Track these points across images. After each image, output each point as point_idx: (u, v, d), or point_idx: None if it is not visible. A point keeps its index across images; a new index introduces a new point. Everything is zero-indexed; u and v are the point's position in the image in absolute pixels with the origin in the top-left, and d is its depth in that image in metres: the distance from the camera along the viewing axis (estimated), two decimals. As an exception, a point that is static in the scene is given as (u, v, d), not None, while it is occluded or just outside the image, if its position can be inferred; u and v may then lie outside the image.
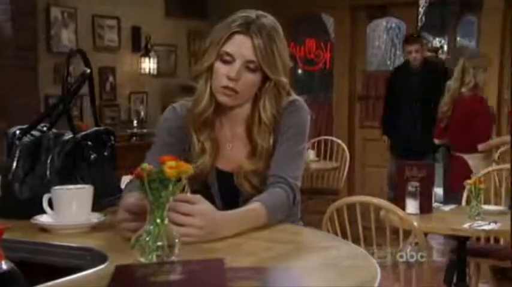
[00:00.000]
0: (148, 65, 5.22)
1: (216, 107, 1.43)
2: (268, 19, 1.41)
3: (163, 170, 0.97)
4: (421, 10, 5.38)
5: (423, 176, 2.65)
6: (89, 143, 1.34)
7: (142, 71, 5.23)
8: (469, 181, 2.60)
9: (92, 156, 1.34)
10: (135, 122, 5.03)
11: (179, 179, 0.99)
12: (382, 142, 4.61)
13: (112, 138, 1.41)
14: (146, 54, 5.22)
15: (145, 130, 4.99)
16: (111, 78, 5.04)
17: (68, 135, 1.35)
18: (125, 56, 5.14)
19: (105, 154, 1.39)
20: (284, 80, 1.39)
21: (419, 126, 4.30)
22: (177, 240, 1.00)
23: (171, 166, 0.98)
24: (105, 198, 1.36)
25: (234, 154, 1.45)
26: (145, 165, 0.98)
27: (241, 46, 1.35)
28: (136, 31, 5.23)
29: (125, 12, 5.11)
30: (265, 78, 1.38)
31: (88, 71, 1.34)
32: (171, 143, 1.43)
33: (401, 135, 4.39)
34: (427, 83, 4.28)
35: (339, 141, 4.86)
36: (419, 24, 5.37)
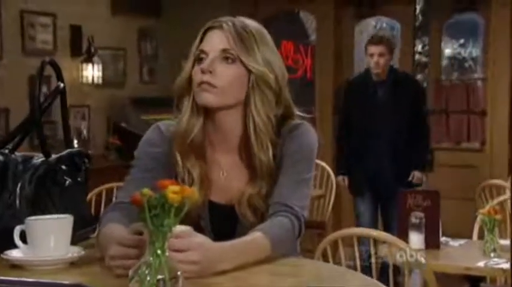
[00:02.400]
0: (91, 72, 5.32)
1: (205, 127, 1.54)
2: (248, 19, 1.56)
3: (166, 196, 1.10)
4: (417, 7, 5.63)
5: (428, 205, 2.78)
6: (63, 167, 1.45)
7: (83, 79, 5.33)
8: (482, 211, 2.72)
9: (67, 181, 1.45)
10: (75, 142, 5.10)
11: (182, 206, 1.12)
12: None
13: (86, 161, 1.52)
14: (88, 59, 5.32)
15: (89, 152, 5.05)
16: (44, 89, 5.10)
17: (38, 159, 1.46)
18: (62, 62, 5.20)
19: (79, 179, 1.50)
20: (268, 73, 1.50)
21: (388, 160, 4.11)
22: (179, 273, 1.12)
23: (175, 191, 1.10)
24: (80, 229, 1.46)
25: (229, 183, 1.55)
26: (145, 190, 1.11)
27: (213, 39, 1.50)
28: (76, 31, 5.32)
29: (61, 8, 5.21)
30: (250, 76, 1.50)
31: (62, 85, 1.46)
32: (154, 169, 1.53)
33: (363, 172, 4.18)
34: (396, 100, 4.12)
35: (323, 164, 4.99)
36: (417, 23, 5.63)
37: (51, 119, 5.10)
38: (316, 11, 5.94)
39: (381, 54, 4.09)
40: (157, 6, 6.06)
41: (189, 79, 1.52)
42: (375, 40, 4.18)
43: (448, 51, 5.91)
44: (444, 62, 5.88)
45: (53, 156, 1.47)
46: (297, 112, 1.56)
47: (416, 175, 4.16)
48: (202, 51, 1.51)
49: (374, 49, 4.11)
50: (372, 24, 6.11)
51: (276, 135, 1.53)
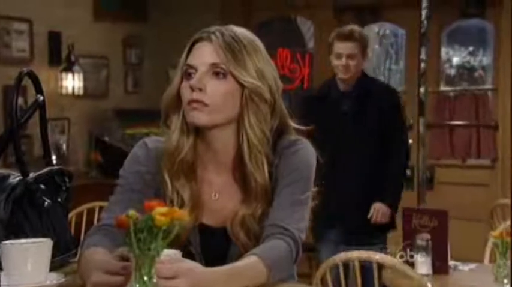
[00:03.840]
0: (72, 82, 5.33)
1: (196, 145, 1.55)
2: (238, 28, 1.57)
3: (154, 218, 1.11)
4: (423, 12, 5.67)
5: (435, 226, 2.78)
6: (42, 186, 1.46)
7: (63, 90, 5.34)
8: (493, 233, 2.73)
9: (46, 202, 1.45)
10: (53, 158, 5.09)
11: (171, 229, 1.12)
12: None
13: (67, 180, 1.53)
14: (68, 68, 5.33)
15: (69, 169, 5.05)
16: (20, 101, 5.11)
17: (15, 178, 1.47)
18: (39, 71, 5.20)
19: (59, 199, 1.51)
20: (261, 86, 1.51)
21: (359, 193, 3.45)
22: (168, 301, 1.13)
23: (163, 213, 1.11)
24: (60, 254, 1.47)
25: (221, 205, 1.56)
26: (131, 212, 1.12)
27: (201, 52, 1.51)
28: (55, 38, 5.34)
29: (39, 13, 5.22)
30: (243, 91, 1.52)
31: (41, 98, 1.47)
32: (141, 189, 1.54)
33: (324, 214, 2.97)
34: (366, 118, 3.46)
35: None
36: (422, 30, 5.67)
37: (27, 133, 5.12)
38: (314, 17, 5.97)
39: (350, 55, 3.42)
40: (143, 11, 6.09)
41: (178, 95, 1.53)
42: (343, 35, 3.45)
43: (456, 59, 5.94)
44: (452, 71, 5.91)
45: (31, 174, 1.47)
46: (293, 124, 1.58)
47: (379, 209, 3.43)
48: (191, 66, 1.51)
49: (342, 47, 3.42)
50: (374, 31, 6.13)
51: (272, 151, 1.54)
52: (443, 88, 5.75)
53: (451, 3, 5.37)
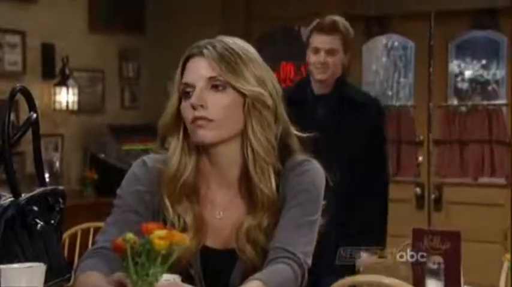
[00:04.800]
0: (66, 97, 5.35)
1: (198, 166, 1.56)
2: (229, 38, 1.59)
3: (152, 242, 1.11)
4: (433, 23, 5.70)
5: (447, 248, 2.77)
6: (34, 208, 1.46)
7: (56, 105, 5.35)
8: (508, 256, 2.72)
9: (38, 225, 1.46)
10: (46, 176, 5.09)
11: (170, 253, 1.13)
12: (391, 203, 4.74)
13: (61, 201, 1.53)
14: (62, 82, 5.34)
15: (61, 187, 5.05)
16: (12, 116, 5.12)
17: (7, 199, 1.47)
18: (32, 86, 5.22)
19: (52, 221, 1.51)
20: (263, 92, 1.53)
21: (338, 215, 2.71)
22: (167, 330, 1.13)
23: (162, 236, 1.12)
24: (53, 279, 1.47)
25: (226, 223, 1.57)
26: (129, 235, 1.12)
27: (196, 68, 1.53)
28: (48, 50, 5.36)
29: (32, 25, 5.25)
30: (244, 100, 1.53)
31: (34, 115, 1.48)
32: (140, 211, 1.54)
33: None
34: (343, 128, 3.04)
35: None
36: (432, 42, 5.68)
37: (19, 150, 5.13)
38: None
39: (331, 51, 3.00)
40: (140, 23, 6.10)
41: (176, 115, 1.55)
42: (324, 26, 3.04)
43: (468, 72, 5.95)
44: (464, 85, 5.92)
45: (23, 195, 1.48)
46: (295, 131, 1.59)
47: (366, 262, 2.87)
48: (187, 85, 1.53)
49: (321, 40, 3.00)
50: (382, 43, 6.15)
51: (279, 162, 1.55)
52: (454, 103, 5.76)
53: (461, 14, 5.39)
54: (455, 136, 5.57)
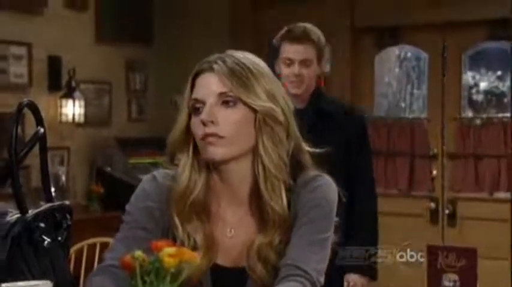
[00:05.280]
0: (72, 109, 5.37)
1: (208, 183, 1.57)
2: (239, 52, 1.59)
3: (161, 259, 1.12)
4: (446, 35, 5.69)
5: (463, 265, 2.76)
6: (41, 224, 1.47)
7: (63, 118, 5.38)
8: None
9: (45, 241, 1.46)
10: (52, 190, 5.10)
11: (179, 272, 1.13)
12: (402, 217, 4.74)
13: (68, 217, 1.54)
14: (69, 94, 5.38)
15: (67, 202, 5.06)
16: (18, 130, 5.15)
17: (13, 215, 1.48)
18: (38, 98, 5.25)
19: (59, 238, 1.52)
20: (274, 108, 1.53)
21: None
22: None
23: (171, 254, 1.12)
24: (59, 298, 1.47)
25: (237, 241, 1.57)
26: (138, 253, 1.13)
27: (206, 84, 1.53)
28: (55, 63, 5.40)
29: (38, 37, 5.28)
30: (256, 116, 1.53)
31: (42, 130, 1.49)
32: (149, 228, 1.54)
33: None
34: (328, 143, 2.68)
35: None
36: (445, 54, 5.68)
37: (24, 164, 5.14)
38: (330, 39, 5.95)
39: (305, 62, 2.86)
40: (148, 34, 6.13)
41: (186, 131, 1.55)
42: (296, 35, 2.88)
43: (483, 84, 5.94)
44: (479, 97, 5.91)
45: (30, 211, 1.48)
46: (307, 147, 1.59)
47: (355, 284, 2.95)
48: (197, 100, 1.53)
49: (294, 51, 2.86)
50: (395, 54, 6.15)
51: (291, 179, 1.55)
52: (468, 115, 5.75)
53: (475, 25, 5.39)
54: (470, 150, 5.55)
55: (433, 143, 5.63)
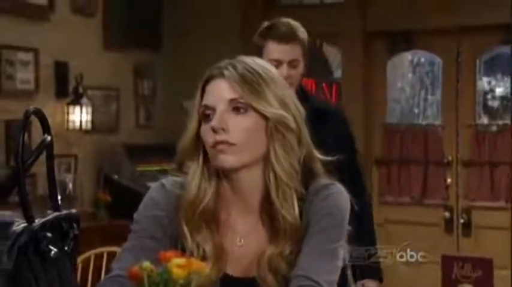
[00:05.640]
0: (79, 116, 5.38)
1: (218, 191, 1.56)
2: (249, 58, 1.59)
3: (170, 271, 1.12)
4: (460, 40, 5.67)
5: (479, 276, 2.75)
6: (48, 234, 1.47)
7: (70, 125, 5.39)
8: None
9: (52, 252, 1.46)
10: (59, 198, 5.11)
11: (188, 283, 1.13)
12: (415, 226, 4.73)
13: (75, 226, 1.54)
14: (76, 101, 5.38)
15: (74, 210, 5.07)
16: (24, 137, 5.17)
17: (19, 225, 1.48)
18: (45, 104, 5.25)
19: (66, 248, 1.52)
20: (286, 115, 1.54)
21: None
22: None
23: (180, 265, 1.12)
24: (66, 308, 1.47)
25: (247, 251, 1.57)
26: (146, 263, 1.13)
27: (216, 90, 1.53)
28: (62, 68, 5.41)
29: (45, 42, 5.29)
30: (267, 123, 1.54)
31: (49, 138, 1.49)
32: (158, 237, 1.54)
33: None
34: (316, 139, 2.51)
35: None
36: (459, 59, 5.67)
37: (30, 172, 5.15)
38: (341, 44, 6.00)
39: (292, 62, 2.75)
40: (156, 39, 6.15)
41: (195, 139, 1.55)
42: (283, 34, 2.76)
43: (499, 90, 5.92)
44: (495, 103, 5.89)
45: (37, 221, 1.48)
46: (318, 155, 1.59)
47: None
48: (208, 107, 1.53)
49: (281, 51, 2.74)
50: (408, 59, 6.16)
51: (303, 187, 1.55)
52: (484, 121, 5.73)
53: (490, 29, 5.38)
54: (485, 157, 5.54)
55: (448, 150, 5.61)
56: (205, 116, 1.53)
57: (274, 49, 2.75)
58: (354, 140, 3.03)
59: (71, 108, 5.39)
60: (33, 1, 5.22)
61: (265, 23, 2.84)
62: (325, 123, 2.78)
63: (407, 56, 6.11)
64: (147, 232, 1.55)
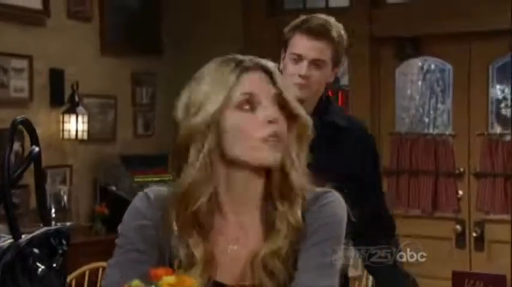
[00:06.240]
0: (75, 125, 5.37)
1: (215, 191, 1.53)
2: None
3: (161, 290, 1.10)
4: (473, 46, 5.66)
5: (492, 293, 2.74)
6: (35, 250, 1.45)
7: (65, 134, 5.38)
8: None
9: (39, 269, 1.44)
10: (52, 212, 5.11)
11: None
12: (426, 240, 4.71)
13: (64, 242, 1.52)
14: (72, 109, 5.37)
15: (65, 227, 5.06)
16: (16, 146, 5.15)
17: (6, 240, 1.46)
18: (39, 113, 5.28)
19: (54, 265, 1.50)
20: (309, 119, 1.56)
21: None
22: None
23: (171, 283, 1.11)
24: (55, 329, 1.46)
25: (240, 255, 1.54)
26: (135, 282, 1.11)
27: (259, 82, 1.52)
28: (57, 76, 5.40)
29: (40, 49, 5.29)
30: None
31: (36, 149, 1.48)
32: (144, 249, 1.53)
33: None
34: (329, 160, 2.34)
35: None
36: (471, 66, 5.66)
37: (22, 183, 5.14)
38: (348, 50, 5.96)
39: (317, 62, 2.48)
40: (156, 44, 6.14)
41: (209, 124, 1.51)
42: (313, 28, 2.50)
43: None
44: (508, 112, 5.87)
45: (24, 236, 1.47)
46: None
47: None
48: (252, 95, 1.50)
49: (306, 46, 2.48)
50: (417, 66, 6.14)
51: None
52: (497, 131, 5.71)
53: (502, 34, 5.36)
54: (499, 168, 5.51)
55: (459, 160, 5.59)
56: (249, 103, 1.51)
57: (298, 42, 2.51)
58: (378, 178, 2.76)
59: (66, 117, 5.37)
60: (28, 5, 5.21)
61: (301, 16, 2.59)
62: (344, 137, 2.56)
63: (417, 63, 6.10)
64: (133, 245, 1.54)
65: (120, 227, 1.58)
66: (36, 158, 1.50)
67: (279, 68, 2.37)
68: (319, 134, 2.31)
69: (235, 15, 6.07)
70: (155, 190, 1.58)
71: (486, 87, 5.63)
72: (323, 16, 2.58)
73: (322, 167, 2.11)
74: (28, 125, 1.50)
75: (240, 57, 1.56)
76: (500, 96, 5.84)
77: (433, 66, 6.11)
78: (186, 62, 5.88)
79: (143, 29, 6.03)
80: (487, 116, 5.64)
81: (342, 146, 2.56)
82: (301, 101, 2.27)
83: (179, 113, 1.57)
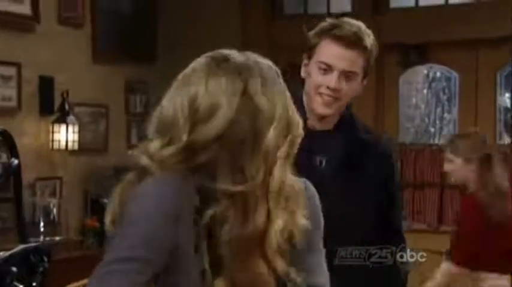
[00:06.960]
0: (65, 135, 5.35)
1: None
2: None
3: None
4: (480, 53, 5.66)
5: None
6: (13, 269, 1.44)
7: (55, 145, 5.35)
8: None
9: (18, 288, 1.43)
10: (41, 225, 5.09)
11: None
12: (431, 255, 4.69)
13: (45, 259, 1.51)
14: (62, 119, 5.36)
15: (57, 238, 5.04)
16: (4, 157, 5.14)
17: (-17, 258, 1.45)
18: (28, 122, 5.27)
19: (34, 284, 1.49)
20: None
21: None
22: None
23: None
24: None
25: None
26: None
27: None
28: (46, 84, 5.38)
29: (28, 56, 5.28)
30: None
31: (16, 162, 1.46)
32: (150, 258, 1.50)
33: None
34: (349, 181, 2.35)
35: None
36: (478, 73, 5.65)
37: (8, 196, 5.12)
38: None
39: (347, 73, 2.28)
40: (150, 52, 6.14)
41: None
42: (345, 35, 2.29)
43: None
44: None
45: (1, 253, 1.45)
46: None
47: None
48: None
49: (339, 55, 2.28)
50: (422, 73, 6.14)
51: None
52: (505, 141, 5.70)
53: (510, 41, 5.35)
54: (508, 180, 5.49)
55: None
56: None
57: (327, 50, 2.29)
58: (396, 189, 2.62)
59: (56, 126, 5.35)
60: (17, 11, 5.20)
61: (329, 19, 2.39)
62: (369, 156, 2.39)
63: (422, 70, 6.10)
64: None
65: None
66: (16, 171, 1.49)
67: (298, 73, 2.31)
68: (344, 155, 2.34)
69: (234, 21, 6.07)
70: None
71: (494, 96, 5.62)
72: (354, 22, 2.37)
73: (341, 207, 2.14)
74: (7, 136, 1.48)
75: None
76: (508, 105, 5.84)
77: (438, 74, 6.11)
78: (181, 70, 5.86)
79: (137, 36, 6.02)
80: (494, 125, 5.63)
81: (367, 171, 2.40)
82: (326, 117, 2.31)
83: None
